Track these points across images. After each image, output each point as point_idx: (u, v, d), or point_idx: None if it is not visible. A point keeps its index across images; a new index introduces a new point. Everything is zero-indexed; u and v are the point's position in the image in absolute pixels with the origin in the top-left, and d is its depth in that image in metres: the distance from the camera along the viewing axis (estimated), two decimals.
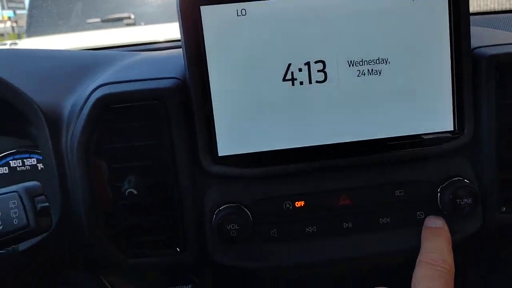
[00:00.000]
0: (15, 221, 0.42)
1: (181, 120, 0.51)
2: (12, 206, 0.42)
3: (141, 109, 0.50)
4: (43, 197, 0.43)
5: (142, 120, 0.51)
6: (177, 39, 0.94)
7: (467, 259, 0.64)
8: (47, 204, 0.43)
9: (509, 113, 0.53)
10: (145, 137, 0.51)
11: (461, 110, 0.52)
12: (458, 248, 0.52)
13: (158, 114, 0.50)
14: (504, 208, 0.55)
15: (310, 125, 0.52)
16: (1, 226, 0.42)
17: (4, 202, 0.42)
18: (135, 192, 0.50)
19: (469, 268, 0.66)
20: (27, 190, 0.42)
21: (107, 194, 0.51)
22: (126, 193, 0.50)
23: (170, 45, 0.89)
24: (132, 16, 2.87)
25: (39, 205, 0.43)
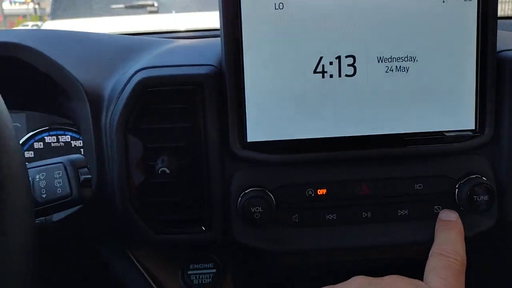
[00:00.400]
0: (59, 190, 0.45)
1: (215, 105, 0.53)
2: (57, 176, 0.45)
3: (178, 93, 0.53)
4: (86, 169, 0.46)
5: (179, 103, 0.53)
6: (208, 28, 0.97)
7: (480, 254, 0.66)
8: (90, 176, 0.46)
9: None
10: (180, 119, 0.53)
11: (483, 110, 0.54)
12: (472, 243, 0.54)
13: (194, 99, 0.53)
14: None
15: (337, 116, 0.54)
16: (45, 195, 0.45)
17: (50, 172, 0.45)
18: (167, 171, 0.52)
19: (481, 263, 0.68)
20: (72, 162, 0.45)
21: (141, 172, 0.54)
22: (159, 172, 0.52)
23: (202, 34, 0.92)
24: (156, 4, 2.90)
25: (82, 177, 0.45)
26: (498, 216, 0.56)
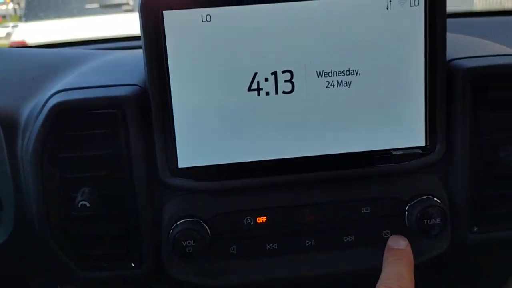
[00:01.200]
0: None
1: (140, 129, 0.48)
2: None
3: (98, 117, 0.48)
4: None
5: (99, 128, 0.48)
6: None
7: (435, 279, 0.62)
8: None
9: (483, 130, 0.51)
10: (101, 146, 0.49)
11: (433, 125, 0.50)
12: (426, 268, 0.50)
13: (116, 123, 0.48)
14: (476, 228, 0.53)
15: (275, 137, 0.50)
16: None
17: None
18: (88, 204, 0.48)
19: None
20: None
21: (61, 205, 0.49)
22: (79, 205, 0.48)
23: None
24: (131, 2, 2.84)
25: None
26: (451, 239, 0.52)
